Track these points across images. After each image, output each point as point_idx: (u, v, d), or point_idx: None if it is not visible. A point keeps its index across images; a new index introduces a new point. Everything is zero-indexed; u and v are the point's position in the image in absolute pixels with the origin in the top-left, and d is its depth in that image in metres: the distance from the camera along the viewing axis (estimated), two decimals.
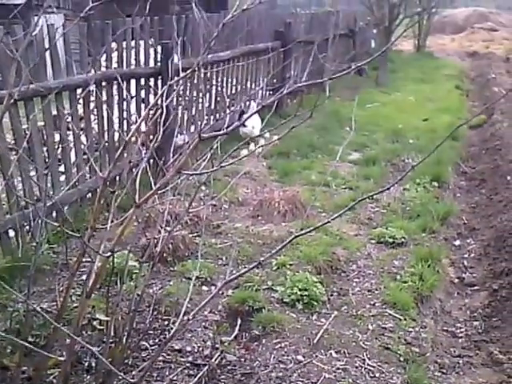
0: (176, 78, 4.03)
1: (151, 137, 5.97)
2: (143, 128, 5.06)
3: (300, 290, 4.83)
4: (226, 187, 7.36)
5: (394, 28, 15.76)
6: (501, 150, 9.35)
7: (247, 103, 10.19)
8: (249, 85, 10.29)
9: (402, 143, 9.91)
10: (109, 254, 3.28)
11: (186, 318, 3.57)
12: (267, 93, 11.09)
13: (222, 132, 3.63)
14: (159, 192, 4.06)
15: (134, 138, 6.35)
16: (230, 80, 9.54)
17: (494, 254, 6.05)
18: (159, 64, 7.31)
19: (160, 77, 7.32)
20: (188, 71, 3.95)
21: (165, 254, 5.54)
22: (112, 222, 3.39)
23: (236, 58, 9.44)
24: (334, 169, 8.50)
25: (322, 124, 10.60)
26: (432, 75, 16.97)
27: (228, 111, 8.95)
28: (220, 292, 5.11)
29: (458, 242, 6.53)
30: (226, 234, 6.12)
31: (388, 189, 3.23)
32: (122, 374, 3.18)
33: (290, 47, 11.07)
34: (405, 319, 4.71)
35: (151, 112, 3.81)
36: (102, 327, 4.28)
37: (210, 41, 3.80)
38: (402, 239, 6.10)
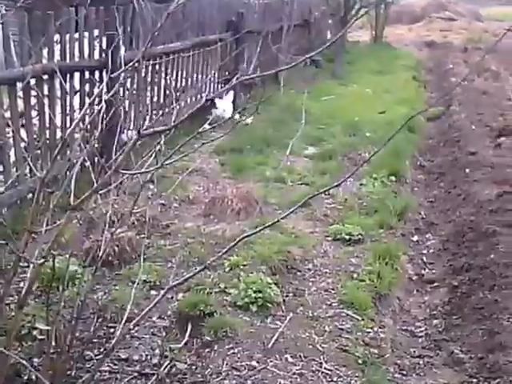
0: (119, 71, 3.80)
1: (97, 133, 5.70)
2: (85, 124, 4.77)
3: (254, 291, 4.59)
4: (175, 185, 7.18)
5: (349, 18, 15.59)
6: (459, 142, 9.24)
7: (201, 94, 9.95)
8: (200, 77, 10.01)
9: (359, 136, 9.74)
10: (42, 260, 3.06)
11: (129, 324, 3.37)
12: (219, 85, 10.82)
13: (163, 128, 3.41)
14: (101, 192, 3.82)
15: (77, 135, 6.03)
16: (180, 72, 9.24)
17: (453, 250, 5.90)
18: (104, 56, 7.00)
19: (105, 70, 7.02)
20: (130, 63, 3.74)
21: (110, 257, 5.26)
22: (47, 225, 3.18)
23: (187, 49, 9.16)
24: (289, 164, 8.29)
25: (276, 117, 10.37)
26: (389, 66, 16.87)
27: (175, 105, 8.66)
28: (169, 296, 4.88)
29: (416, 238, 6.36)
30: (176, 235, 5.86)
31: (339, 185, 3.06)
32: None
33: (242, 38, 10.86)
34: (363, 319, 4.52)
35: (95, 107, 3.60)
36: (42, 337, 4.01)
37: (154, 31, 3.58)
38: (359, 236, 5.91)
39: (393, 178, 7.61)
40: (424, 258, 5.93)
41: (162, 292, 3.38)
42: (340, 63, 15.20)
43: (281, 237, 5.75)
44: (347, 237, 5.89)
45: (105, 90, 3.85)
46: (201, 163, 8.04)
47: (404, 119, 9.61)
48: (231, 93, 10.53)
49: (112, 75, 4.12)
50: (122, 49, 7.77)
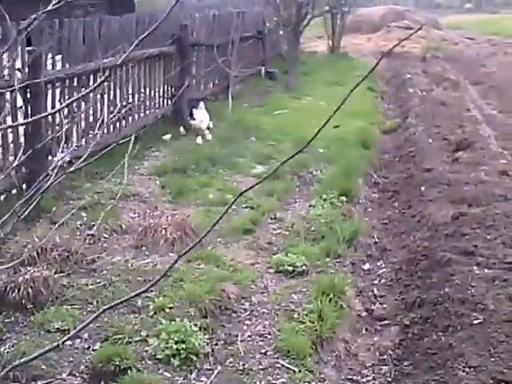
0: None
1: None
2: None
3: (176, 342, 4.04)
4: (109, 212, 6.60)
5: (302, 28, 15.13)
6: (415, 157, 8.78)
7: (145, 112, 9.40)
8: (143, 93, 9.43)
9: (311, 153, 9.22)
10: None
11: None
12: (166, 101, 10.26)
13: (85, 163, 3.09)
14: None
15: None
16: (117, 89, 8.63)
17: (405, 280, 5.40)
18: (26, 75, 6.41)
19: (28, 89, 6.45)
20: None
21: (23, 301, 4.69)
22: None
23: (124, 64, 8.57)
24: (235, 185, 7.76)
25: (225, 134, 9.84)
26: (346, 77, 16.38)
27: (106, 123, 8.07)
28: (86, 346, 4.32)
29: (367, 266, 5.86)
30: (102, 271, 5.28)
31: None
32: None
33: (187, 51, 10.32)
34: (300, 371, 3.99)
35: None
36: None
37: None
38: (304, 267, 5.40)
39: (344, 199, 7.11)
40: (375, 290, 5.42)
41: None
42: (294, 75, 14.71)
43: (217, 271, 5.21)
44: (290, 268, 5.37)
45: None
46: (140, 186, 7.49)
47: (358, 133, 9.16)
48: (202, 103, 10.15)
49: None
50: (49, 64, 7.26)
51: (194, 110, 9.86)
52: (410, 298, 4.99)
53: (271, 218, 6.66)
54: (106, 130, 8.37)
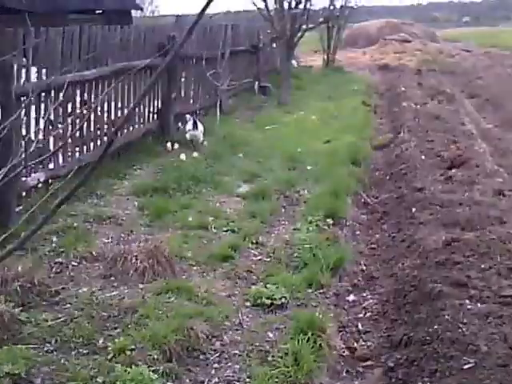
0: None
1: None
2: None
3: None
4: (81, 237, 6.21)
5: (296, 41, 14.81)
6: (406, 175, 8.39)
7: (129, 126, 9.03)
8: (126, 108, 9.04)
9: (299, 170, 8.88)
10: None
11: None
12: (152, 116, 9.89)
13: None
14: None
15: None
16: (99, 103, 8.23)
17: (392, 314, 4.99)
18: None
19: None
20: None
21: None
22: None
23: (106, 77, 8.19)
24: (218, 205, 7.38)
25: (212, 150, 9.48)
26: (339, 91, 16.11)
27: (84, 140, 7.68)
28: None
29: (352, 297, 5.44)
30: (64, 305, 4.87)
31: None
32: None
33: (175, 64, 9.96)
34: None
35: None
36: None
37: None
38: (283, 299, 5.00)
39: (330, 221, 6.73)
40: (359, 325, 5.00)
41: None
42: (287, 90, 14.37)
43: (188, 305, 4.81)
44: (269, 301, 4.97)
45: None
46: (117, 207, 7.10)
47: (348, 149, 8.75)
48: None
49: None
50: (23, 77, 6.88)
51: (198, 122, 9.82)
52: (397, 335, 4.57)
53: (252, 243, 6.26)
54: (85, 148, 7.99)
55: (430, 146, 9.77)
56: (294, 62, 20.45)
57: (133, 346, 4.14)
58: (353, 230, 7.04)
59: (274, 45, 16.69)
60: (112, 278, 5.34)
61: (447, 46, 30.14)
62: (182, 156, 9.01)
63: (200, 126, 9.76)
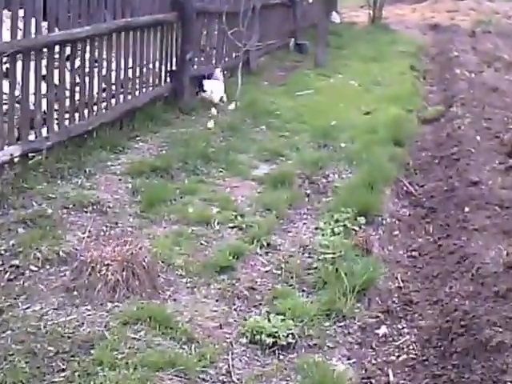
0: None
1: None
2: None
3: None
4: (50, 231, 5.05)
5: None
6: (458, 162, 7.02)
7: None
8: (132, 70, 7.78)
9: (331, 148, 7.58)
10: None
11: None
12: (163, 78, 8.62)
13: None
14: None
15: None
16: (96, 65, 6.98)
17: (435, 364, 3.71)
18: None
19: None
20: None
21: None
22: None
23: (103, 35, 6.92)
24: (228, 191, 6.16)
25: (230, 121, 8.20)
26: (385, 52, 14.60)
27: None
28: None
29: (382, 331, 4.19)
30: (4, 332, 3.72)
31: None
32: None
33: (191, 20, 8.65)
34: None
35: None
36: None
37: None
38: (289, 338, 3.78)
39: (362, 220, 5.46)
40: (390, 375, 3.76)
41: None
42: (323, 49, 12.90)
43: (160, 344, 3.62)
44: (270, 340, 3.76)
45: None
46: (105, 190, 5.90)
47: (391, 124, 7.31)
48: (218, 71, 9.17)
49: None
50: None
51: (205, 81, 8.78)
52: None
53: (262, 246, 5.03)
54: (77, 116, 6.78)
55: (487, 124, 8.35)
56: (337, 17, 19.00)
57: None
58: (390, 230, 5.75)
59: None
60: (75, 293, 4.16)
61: (503, 6, 28.02)
62: (210, 123, 7.89)
63: (212, 84, 8.89)
